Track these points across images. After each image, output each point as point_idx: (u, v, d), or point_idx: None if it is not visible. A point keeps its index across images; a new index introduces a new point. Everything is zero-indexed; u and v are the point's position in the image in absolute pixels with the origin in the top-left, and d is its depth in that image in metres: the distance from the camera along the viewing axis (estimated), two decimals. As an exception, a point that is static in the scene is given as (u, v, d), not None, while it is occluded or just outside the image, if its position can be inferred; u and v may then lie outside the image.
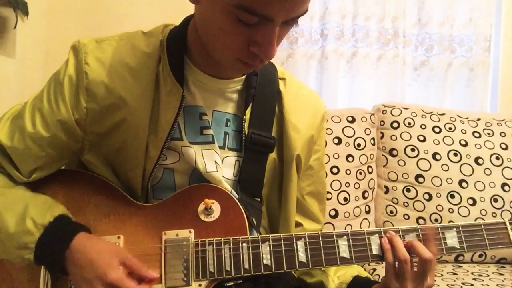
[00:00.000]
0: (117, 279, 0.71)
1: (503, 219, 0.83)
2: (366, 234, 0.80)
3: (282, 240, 0.79)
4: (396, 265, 0.77)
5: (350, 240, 0.79)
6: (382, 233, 0.80)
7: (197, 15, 0.77)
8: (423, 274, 0.75)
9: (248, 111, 0.86)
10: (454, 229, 0.81)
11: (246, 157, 0.86)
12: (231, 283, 0.81)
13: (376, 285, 0.82)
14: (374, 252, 0.79)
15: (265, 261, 0.78)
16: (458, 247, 0.80)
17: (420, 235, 0.80)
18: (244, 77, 0.87)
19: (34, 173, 0.82)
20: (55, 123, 0.79)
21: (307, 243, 0.79)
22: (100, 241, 0.77)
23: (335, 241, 0.79)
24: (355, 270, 0.88)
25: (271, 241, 0.79)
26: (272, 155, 0.88)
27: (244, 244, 0.78)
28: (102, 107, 0.79)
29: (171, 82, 0.80)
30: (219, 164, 0.84)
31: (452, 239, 0.81)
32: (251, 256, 0.78)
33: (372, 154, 1.74)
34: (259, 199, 0.88)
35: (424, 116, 1.76)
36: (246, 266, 0.77)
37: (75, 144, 0.82)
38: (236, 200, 0.82)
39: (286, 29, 0.72)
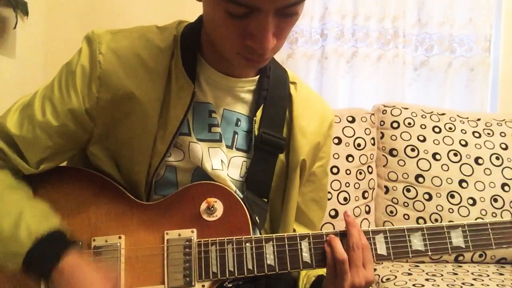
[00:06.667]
0: None
1: (510, 218, 0.83)
2: (371, 234, 0.79)
3: (286, 240, 0.78)
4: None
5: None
6: (387, 232, 0.79)
7: (203, 12, 0.77)
8: (342, 272, 0.75)
9: (259, 113, 0.86)
10: (460, 228, 0.80)
11: (255, 157, 0.85)
12: (230, 285, 0.80)
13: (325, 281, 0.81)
14: (379, 251, 0.78)
15: (268, 261, 0.77)
16: (464, 247, 0.79)
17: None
18: (257, 78, 0.87)
19: (42, 164, 0.80)
20: (65, 112, 0.78)
21: (311, 243, 0.78)
22: (88, 271, 0.73)
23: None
24: (322, 269, 0.85)
25: (274, 241, 0.78)
26: (281, 158, 0.87)
27: (247, 244, 0.78)
28: (113, 97, 0.78)
29: (183, 78, 0.80)
30: (225, 162, 0.83)
31: (457, 238, 0.80)
32: (254, 256, 0.77)
33: (372, 154, 1.74)
34: (266, 200, 0.88)
35: (424, 116, 1.76)
36: (250, 267, 0.77)
37: (84, 134, 0.81)
38: (239, 199, 0.81)
39: (285, 20, 0.69)
